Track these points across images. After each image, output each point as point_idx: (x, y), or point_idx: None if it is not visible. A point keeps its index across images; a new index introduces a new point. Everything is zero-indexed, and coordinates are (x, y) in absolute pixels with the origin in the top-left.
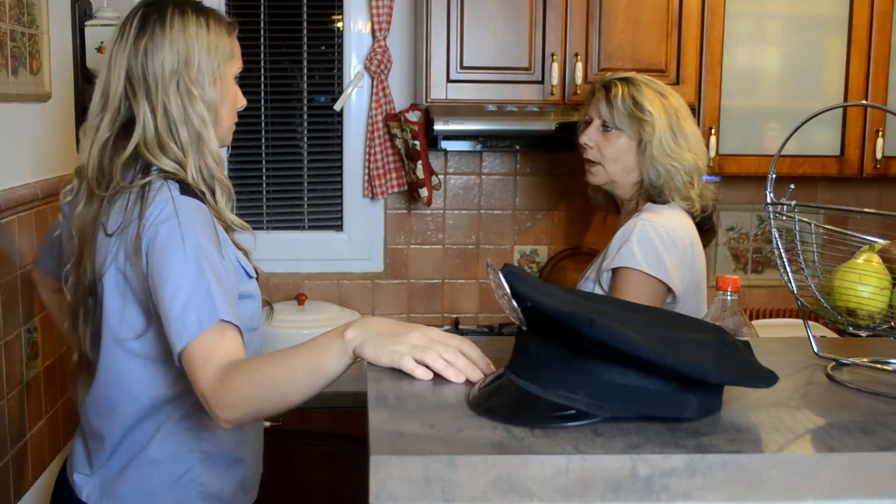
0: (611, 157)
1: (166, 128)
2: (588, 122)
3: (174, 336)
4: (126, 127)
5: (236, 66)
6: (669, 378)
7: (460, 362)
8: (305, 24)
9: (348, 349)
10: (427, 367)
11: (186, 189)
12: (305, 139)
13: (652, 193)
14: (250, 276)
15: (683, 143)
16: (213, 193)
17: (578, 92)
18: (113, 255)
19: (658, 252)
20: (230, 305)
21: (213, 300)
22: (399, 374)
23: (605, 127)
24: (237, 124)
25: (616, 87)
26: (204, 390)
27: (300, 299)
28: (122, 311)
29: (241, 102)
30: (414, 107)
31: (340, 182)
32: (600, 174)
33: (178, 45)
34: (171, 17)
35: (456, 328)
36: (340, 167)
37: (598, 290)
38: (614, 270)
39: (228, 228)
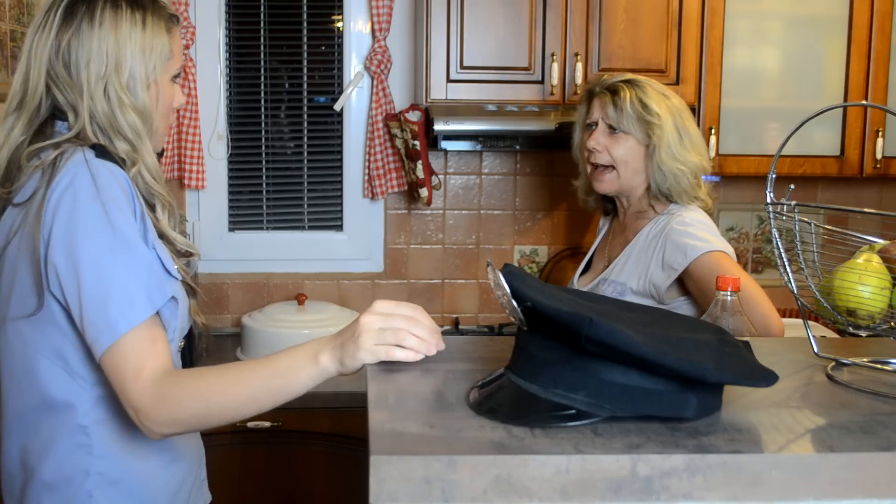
0: (622, 158)
1: (94, 137)
2: (589, 127)
3: (104, 329)
4: (44, 128)
5: (175, 66)
6: (669, 378)
7: (425, 333)
8: (305, 24)
9: (329, 371)
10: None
11: (105, 153)
12: (305, 139)
13: (659, 198)
14: (171, 276)
15: (689, 145)
16: (153, 209)
17: (578, 92)
18: (10, 225)
19: (716, 233)
20: (162, 294)
21: (146, 288)
22: (399, 374)
23: (612, 130)
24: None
25: (623, 90)
26: (139, 404)
27: (300, 299)
28: (11, 285)
29: (179, 101)
30: (414, 107)
31: (340, 182)
32: (612, 181)
33: (107, 45)
34: (102, 11)
35: (456, 328)
36: (340, 167)
37: (632, 298)
38: (691, 266)
39: (170, 245)
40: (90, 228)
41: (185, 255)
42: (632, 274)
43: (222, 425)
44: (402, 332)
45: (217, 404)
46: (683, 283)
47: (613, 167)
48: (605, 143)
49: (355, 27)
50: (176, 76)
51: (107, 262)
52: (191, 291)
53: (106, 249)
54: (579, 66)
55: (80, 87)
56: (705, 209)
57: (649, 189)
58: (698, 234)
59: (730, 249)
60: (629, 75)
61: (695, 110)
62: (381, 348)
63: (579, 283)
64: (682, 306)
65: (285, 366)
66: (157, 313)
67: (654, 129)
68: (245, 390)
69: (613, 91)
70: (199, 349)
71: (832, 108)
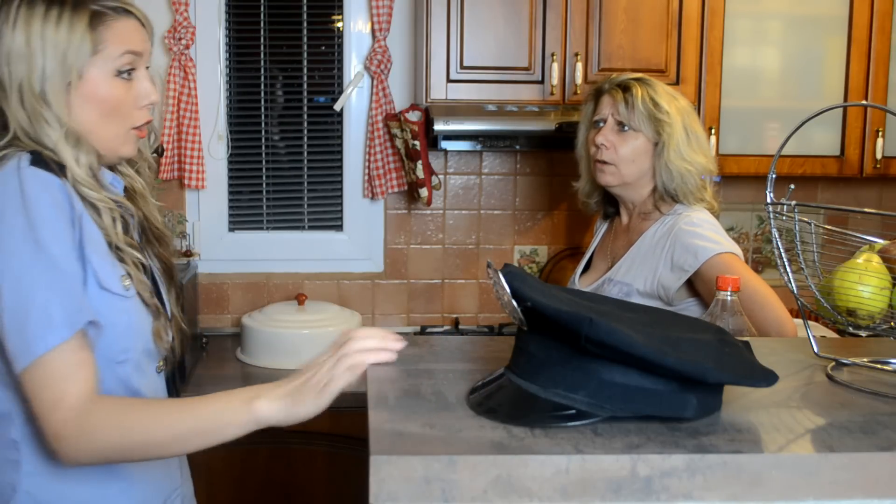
0: (627, 157)
1: (30, 142)
2: (597, 123)
3: (22, 349)
4: None
5: (115, 61)
6: (669, 378)
7: (380, 343)
8: (305, 24)
9: (266, 420)
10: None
11: (40, 160)
12: (305, 139)
13: (665, 198)
14: (103, 289)
15: (696, 146)
16: (98, 213)
17: (578, 92)
18: None
19: (724, 234)
20: (83, 316)
21: (66, 308)
22: (399, 374)
23: (621, 127)
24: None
25: (635, 87)
26: (58, 432)
27: (300, 299)
28: None
29: (145, 98)
30: (414, 107)
31: (340, 182)
32: (613, 173)
33: (19, 47)
34: (17, 9)
35: (456, 328)
36: (340, 167)
37: (638, 299)
38: (702, 267)
39: (118, 249)
40: (14, 243)
41: (185, 256)
42: (638, 275)
43: (152, 460)
44: (353, 356)
45: (139, 441)
46: (692, 283)
47: (615, 166)
48: (612, 140)
49: (355, 27)
50: (123, 72)
51: (28, 280)
52: (155, 313)
53: (27, 266)
54: (579, 66)
55: (7, 92)
56: (711, 211)
57: (655, 190)
58: (708, 234)
59: (738, 251)
60: (638, 74)
61: (695, 110)
62: (339, 380)
63: (581, 283)
64: (691, 307)
65: (215, 409)
66: (87, 336)
67: (665, 127)
68: (168, 431)
69: (625, 88)
70: (167, 371)
71: (832, 108)
